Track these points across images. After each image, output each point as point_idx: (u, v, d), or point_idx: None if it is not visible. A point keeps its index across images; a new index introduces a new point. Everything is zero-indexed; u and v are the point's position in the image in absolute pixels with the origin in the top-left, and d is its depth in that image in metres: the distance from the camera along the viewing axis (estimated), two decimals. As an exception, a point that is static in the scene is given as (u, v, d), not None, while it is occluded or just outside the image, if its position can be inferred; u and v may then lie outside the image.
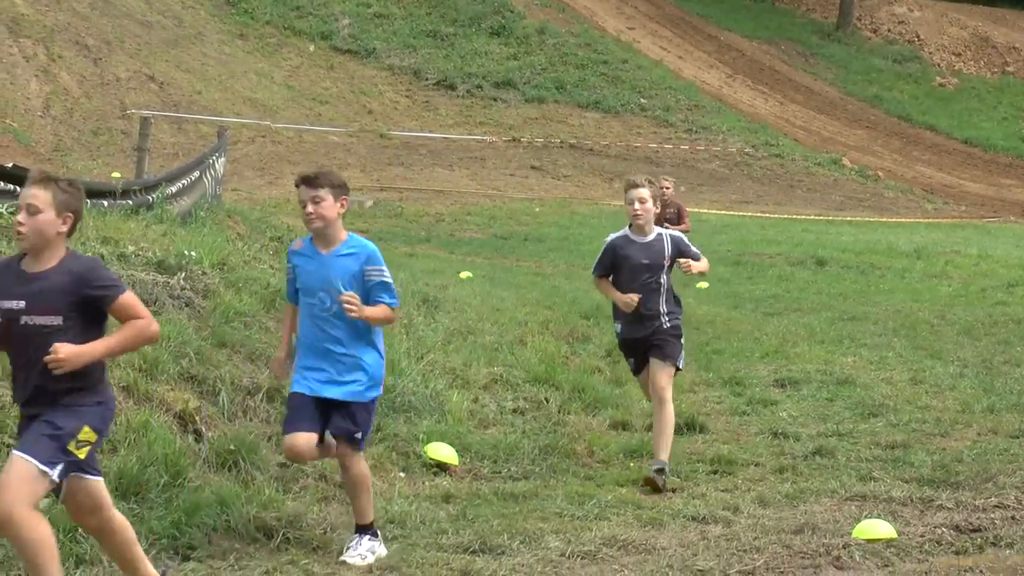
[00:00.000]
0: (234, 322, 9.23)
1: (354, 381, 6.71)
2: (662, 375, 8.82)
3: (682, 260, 8.97)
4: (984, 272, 21.47)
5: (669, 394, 8.81)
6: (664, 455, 8.65)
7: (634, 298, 8.82)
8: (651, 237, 8.99)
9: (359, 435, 6.73)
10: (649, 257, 8.91)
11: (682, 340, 9.02)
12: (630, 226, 9.03)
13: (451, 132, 37.09)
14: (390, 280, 6.76)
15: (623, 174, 34.72)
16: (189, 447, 7.48)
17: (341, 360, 6.69)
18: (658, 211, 15.39)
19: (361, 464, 6.79)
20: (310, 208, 6.61)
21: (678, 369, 9.01)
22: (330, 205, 6.62)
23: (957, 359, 13.18)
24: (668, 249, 8.96)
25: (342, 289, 6.62)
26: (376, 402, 6.97)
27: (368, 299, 6.69)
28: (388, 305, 6.73)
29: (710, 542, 7.03)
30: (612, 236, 9.14)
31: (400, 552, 6.78)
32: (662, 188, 15.82)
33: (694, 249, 9.10)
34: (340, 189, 6.70)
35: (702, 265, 9.07)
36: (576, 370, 11.67)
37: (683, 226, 15.68)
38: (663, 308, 8.91)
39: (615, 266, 9.01)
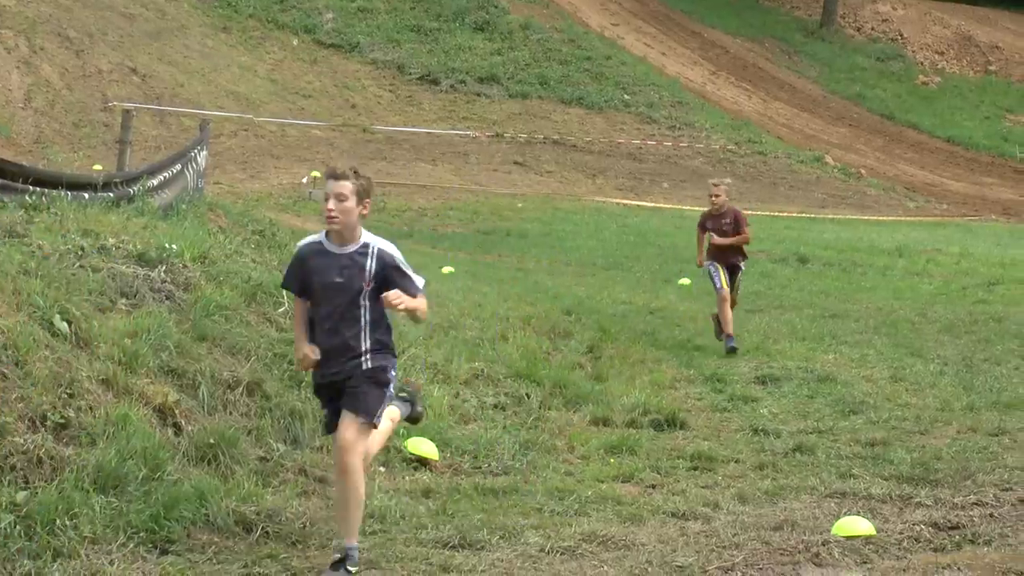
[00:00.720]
0: (215, 316, 9.20)
1: None
2: (347, 430, 6.44)
3: (389, 294, 6.41)
4: (965, 270, 21.55)
5: (354, 459, 6.43)
6: (350, 539, 6.44)
7: (309, 355, 6.53)
8: (352, 248, 6.56)
9: None
10: (344, 275, 6.51)
11: (389, 388, 6.63)
12: (327, 232, 6.62)
13: (434, 127, 37.03)
14: None
15: (606, 170, 34.88)
16: (168, 440, 7.46)
17: None
18: (712, 223, 13.86)
19: None
20: None
21: (374, 426, 6.58)
22: None
23: (937, 357, 13.22)
24: (371, 267, 6.53)
25: None
26: None
27: None
28: None
29: (689, 538, 7.04)
30: (304, 241, 6.79)
31: (380, 547, 6.76)
32: (712, 196, 13.85)
33: (412, 274, 6.60)
34: None
35: (415, 303, 6.47)
36: (557, 366, 11.67)
37: (742, 236, 13.84)
38: (365, 344, 6.52)
39: (306, 284, 6.60)
